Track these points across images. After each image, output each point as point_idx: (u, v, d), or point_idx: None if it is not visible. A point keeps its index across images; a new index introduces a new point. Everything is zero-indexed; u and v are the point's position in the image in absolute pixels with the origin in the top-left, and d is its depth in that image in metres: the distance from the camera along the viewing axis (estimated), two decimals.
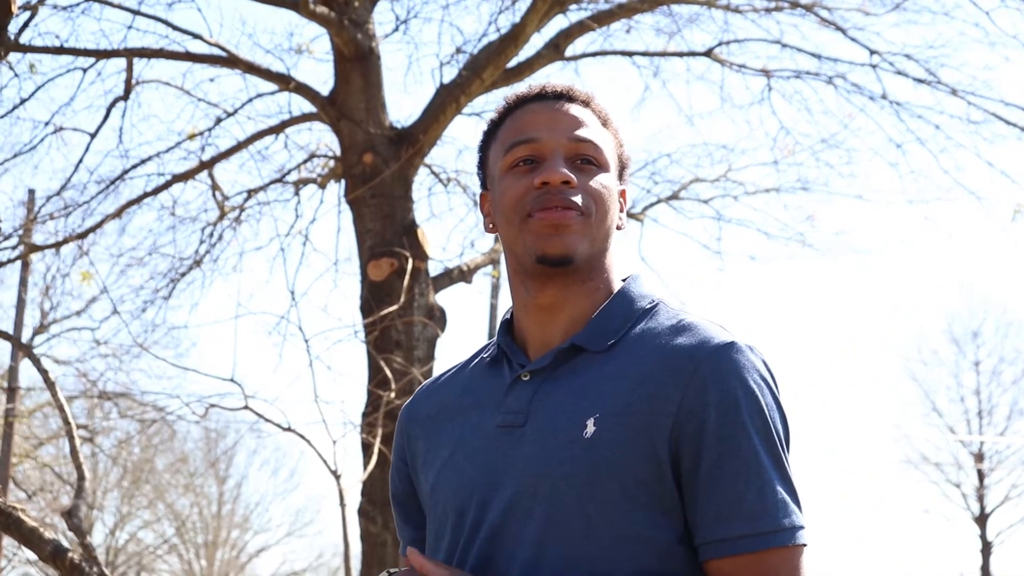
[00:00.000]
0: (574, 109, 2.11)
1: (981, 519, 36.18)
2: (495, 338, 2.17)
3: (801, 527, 1.92)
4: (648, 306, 2.08)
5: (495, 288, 17.51)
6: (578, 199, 2.03)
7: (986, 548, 36.16)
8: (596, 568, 1.91)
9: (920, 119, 10.20)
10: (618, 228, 2.12)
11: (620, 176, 2.15)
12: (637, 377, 1.96)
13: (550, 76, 11.98)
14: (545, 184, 2.04)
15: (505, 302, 21.29)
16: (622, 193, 2.14)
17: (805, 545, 1.92)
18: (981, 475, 36.12)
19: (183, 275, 10.14)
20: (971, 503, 36.39)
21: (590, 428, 1.94)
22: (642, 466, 1.92)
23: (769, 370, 1.99)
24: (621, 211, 2.13)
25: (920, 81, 10.01)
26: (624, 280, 2.14)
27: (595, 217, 2.04)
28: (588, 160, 2.07)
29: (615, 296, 2.09)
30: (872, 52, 9.99)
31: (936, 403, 37.28)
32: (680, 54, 10.33)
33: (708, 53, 10.24)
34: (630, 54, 10.31)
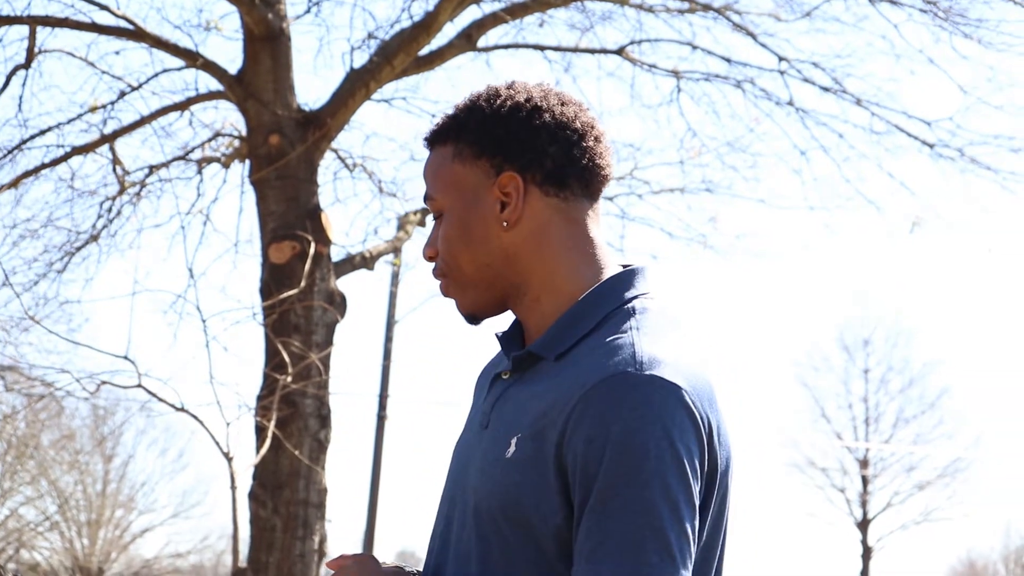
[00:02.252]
0: (427, 160, 2.11)
1: (863, 524, 36.77)
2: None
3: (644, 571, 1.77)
4: (611, 310, 1.98)
5: (395, 276, 17.45)
6: (438, 266, 2.08)
7: (867, 553, 36.76)
8: None
9: (825, 127, 10.35)
10: (504, 228, 2.02)
11: (504, 163, 2.02)
12: (552, 398, 1.90)
13: (461, 66, 11.97)
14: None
15: (404, 290, 21.22)
16: (509, 179, 2.01)
17: None
18: (865, 481, 36.72)
19: (79, 249, 9.98)
20: (854, 508, 36.98)
21: (512, 448, 1.91)
22: (545, 492, 1.86)
23: (677, 404, 1.83)
24: (508, 201, 2.02)
25: (826, 89, 10.14)
26: (605, 279, 2.03)
27: (453, 271, 2.06)
28: (436, 214, 2.09)
29: (581, 300, 2.00)
30: (781, 59, 10.10)
31: (825, 409, 37.82)
32: (592, 51, 10.35)
33: (620, 51, 10.27)
34: (542, 48, 10.31)
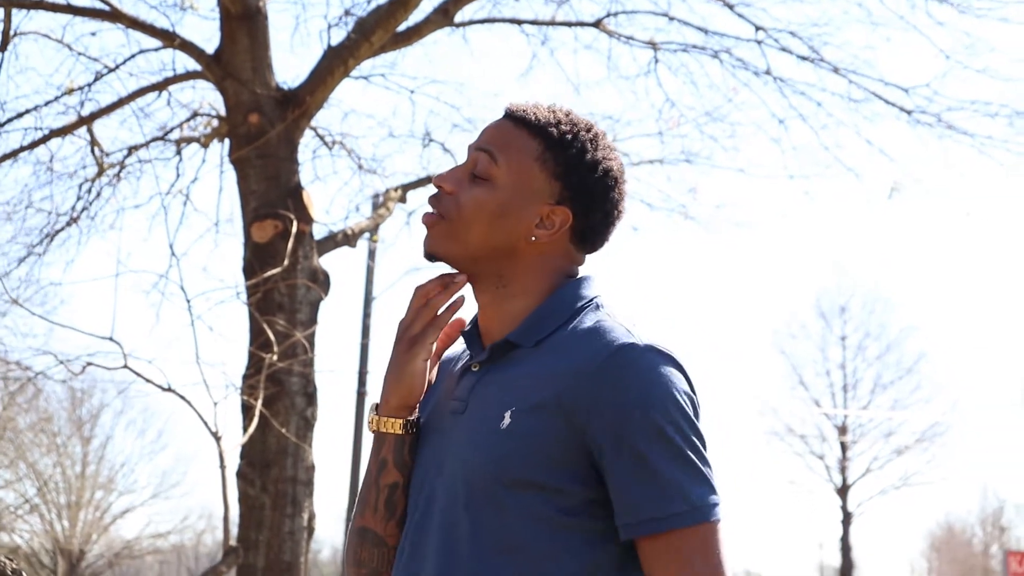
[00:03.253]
0: (504, 126, 2.29)
1: (843, 490, 37.01)
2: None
3: (703, 505, 2.05)
4: (581, 306, 2.25)
5: (372, 253, 17.43)
6: (443, 203, 2.26)
7: (846, 519, 37.03)
8: (509, 545, 2.07)
9: (802, 96, 10.35)
10: (528, 242, 2.24)
11: (563, 197, 2.25)
12: (550, 375, 2.13)
13: (437, 41, 11.93)
14: (434, 184, 2.30)
15: (381, 265, 21.22)
16: (560, 211, 2.24)
17: (716, 521, 2.06)
18: (844, 447, 36.95)
19: (59, 231, 9.95)
20: (834, 475, 37.23)
21: (507, 420, 2.12)
22: (551, 456, 2.08)
23: (674, 367, 2.13)
24: (548, 228, 2.24)
25: (803, 58, 10.15)
26: (564, 284, 2.28)
27: (455, 222, 2.24)
28: (476, 173, 2.25)
29: (550, 297, 2.25)
30: (758, 28, 10.10)
31: (803, 376, 38.02)
32: (568, 24, 10.34)
33: (596, 24, 10.27)
34: (519, 22, 10.31)
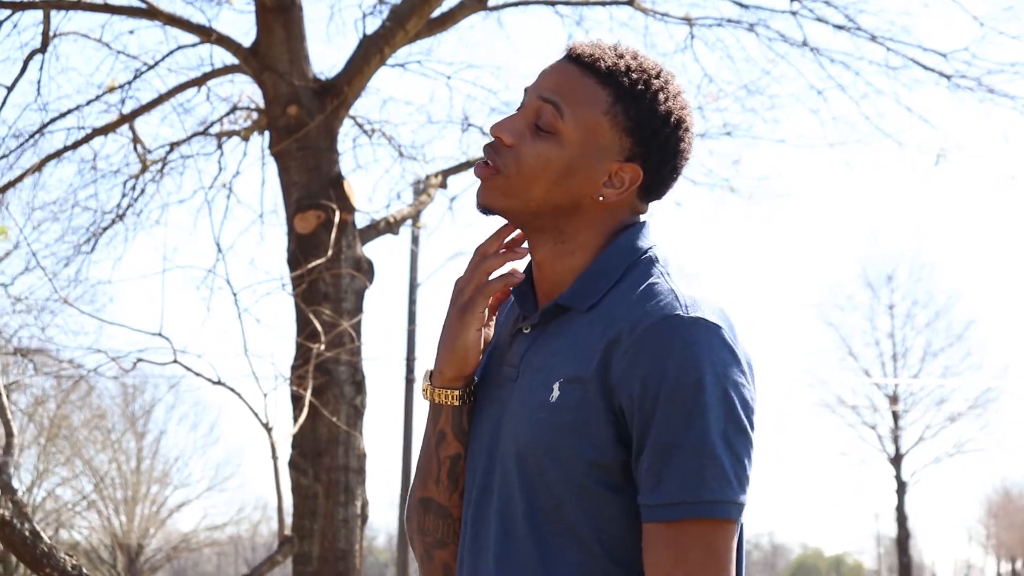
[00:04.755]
0: (569, 72, 2.11)
1: (896, 460, 36.85)
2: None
3: (720, 501, 1.93)
4: (632, 261, 2.10)
5: (415, 238, 17.47)
6: (501, 157, 2.09)
7: (901, 488, 36.86)
8: (563, 525, 2.01)
9: (840, 65, 10.29)
10: (596, 200, 2.10)
11: (633, 153, 2.11)
12: (593, 344, 2.02)
13: (473, 26, 11.95)
14: (491, 133, 2.12)
15: (424, 252, 21.26)
16: (629, 168, 2.10)
17: (730, 520, 1.94)
18: (896, 417, 36.76)
19: (105, 229, 10.03)
20: (886, 444, 37.08)
21: (555, 392, 2.02)
22: (596, 430, 1.99)
23: (720, 343, 1.98)
24: (617, 186, 2.10)
25: (840, 27, 10.09)
26: (623, 231, 2.14)
27: (514, 178, 2.08)
28: (540, 125, 2.09)
29: (602, 254, 2.11)
30: None
31: (852, 347, 37.84)
32: (603, 3, 10.31)
33: (631, 2, 10.23)
34: (553, 3, 10.28)
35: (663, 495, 1.93)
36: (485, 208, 2.12)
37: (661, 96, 2.10)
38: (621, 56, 2.11)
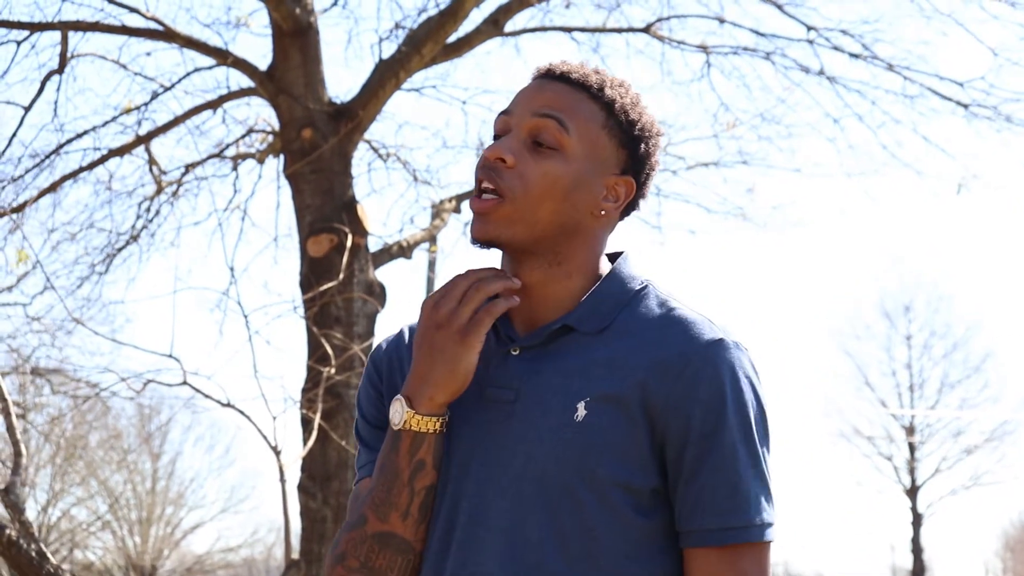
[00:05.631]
0: (559, 89, 2.10)
1: (912, 491, 36.63)
2: None
3: (770, 524, 1.99)
4: (637, 288, 2.11)
5: (432, 263, 17.49)
6: (505, 180, 2.04)
7: (917, 520, 36.63)
8: (588, 548, 1.96)
9: (857, 94, 10.27)
10: (597, 217, 2.10)
11: (627, 165, 2.13)
12: (627, 366, 2.00)
13: (490, 52, 11.96)
14: (486, 159, 2.07)
15: (441, 278, 21.25)
16: (623, 182, 2.12)
17: (771, 542, 1.99)
18: (912, 448, 36.57)
19: (120, 250, 10.06)
20: (902, 476, 36.86)
21: (581, 412, 1.98)
22: (630, 452, 1.97)
23: (754, 367, 2.04)
24: (614, 200, 2.12)
25: (856, 56, 10.08)
26: (614, 261, 2.16)
27: (521, 202, 2.03)
28: (542, 142, 2.06)
29: (606, 278, 2.11)
30: (809, 28, 10.04)
31: (868, 377, 37.67)
32: (619, 30, 10.32)
33: (647, 29, 10.23)
34: (569, 30, 10.30)
35: (725, 519, 1.95)
36: (487, 242, 2.06)
37: (639, 108, 2.13)
38: (597, 72, 2.13)
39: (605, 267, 2.15)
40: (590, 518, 1.96)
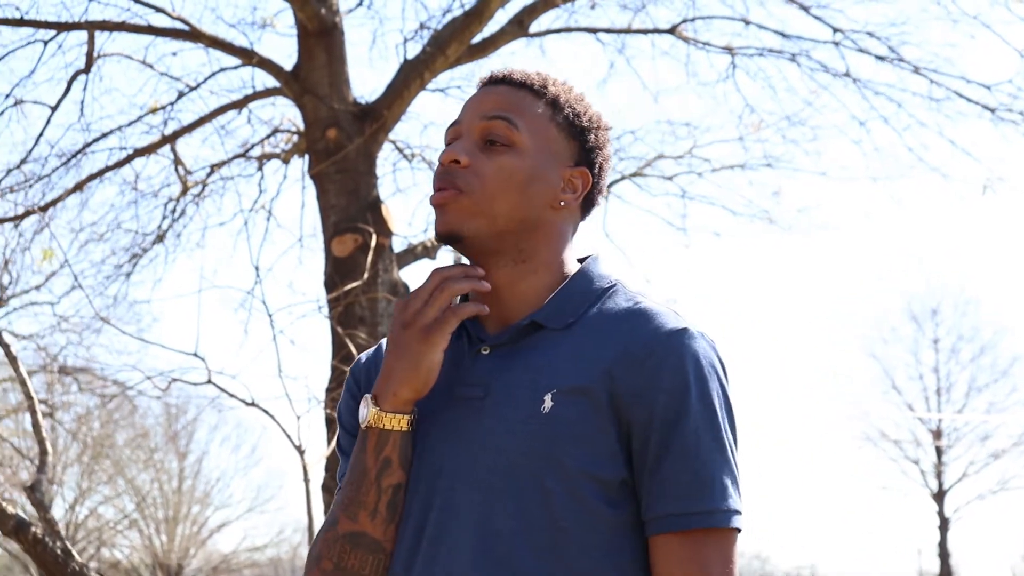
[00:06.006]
0: (504, 91, 2.17)
1: (939, 496, 36.48)
2: None
3: (736, 512, 1.98)
4: (606, 286, 2.15)
5: (456, 263, 17.51)
6: (460, 178, 2.09)
7: (944, 524, 36.48)
8: (555, 538, 1.96)
9: (883, 96, 10.23)
10: (556, 209, 2.15)
11: (581, 157, 2.19)
12: (593, 358, 2.02)
13: (515, 53, 11.98)
14: (442, 164, 2.13)
15: None
16: (579, 173, 2.17)
17: (738, 529, 1.99)
18: (939, 452, 36.42)
19: (145, 250, 10.10)
20: (929, 480, 36.71)
21: (547, 403, 2.00)
22: (597, 443, 1.98)
23: (719, 356, 2.06)
24: (572, 191, 2.16)
25: (882, 59, 10.04)
26: (583, 261, 2.20)
27: (479, 196, 2.08)
28: (494, 140, 2.12)
29: (574, 276, 2.15)
30: (835, 30, 10.01)
31: (895, 380, 37.55)
32: (645, 31, 10.30)
33: (672, 30, 10.22)
34: (595, 31, 10.29)
35: (687, 504, 1.95)
36: (450, 234, 2.10)
37: (584, 102, 2.20)
38: (538, 73, 2.20)
39: (574, 267, 2.19)
40: (558, 509, 1.96)
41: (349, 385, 2.28)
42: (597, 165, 2.21)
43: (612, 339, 2.03)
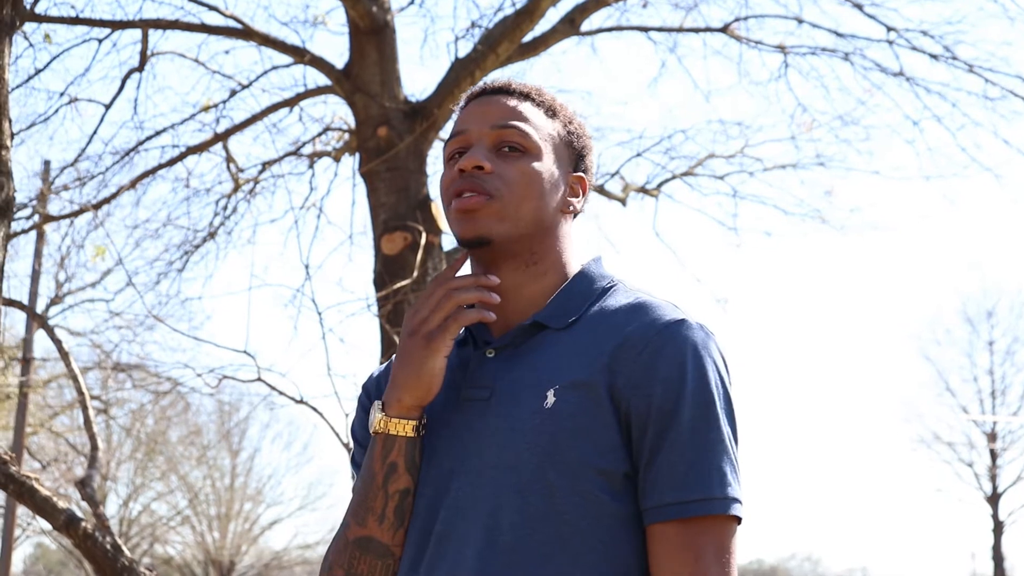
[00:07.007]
0: (507, 101, 2.22)
1: (993, 499, 36.17)
2: None
3: (735, 500, 1.98)
4: (607, 285, 2.19)
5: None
6: (488, 183, 2.14)
7: (998, 528, 36.17)
8: (559, 531, 1.98)
9: (937, 96, 10.16)
10: (566, 213, 2.22)
11: (577, 164, 2.26)
12: (593, 352, 2.05)
13: (565, 51, 11.94)
14: (462, 171, 2.16)
15: None
16: (577, 179, 2.25)
17: (738, 518, 1.99)
18: (994, 455, 36.12)
19: (197, 247, 10.16)
20: (983, 483, 36.41)
21: (550, 399, 2.03)
22: (599, 436, 2.00)
23: (718, 347, 2.08)
24: (575, 196, 2.25)
25: (936, 58, 9.96)
26: (585, 263, 2.25)
27: (508, 200, 2.13)
28: (512, 147, 2.17)
29: (576, 276, 2.20)
30: (889, 28, 9.93)
31: (949, 383, 37.27)
32: (697, 30, 10.27)
33: (725, 29, 10.18)
34: (646, 29, 10.27)
35: (683, 493, 1.96)
36: (479, 239, 2.13)
37: (571, 111, 2.29)
38: (524, 83, 2.26)
39: (575, 268, 2.23)
40: (562, 502, 1.98)
41: (361, 400, 2.33)
42: (591, 168, 2.29)
43: (611, 333, 2.07)
